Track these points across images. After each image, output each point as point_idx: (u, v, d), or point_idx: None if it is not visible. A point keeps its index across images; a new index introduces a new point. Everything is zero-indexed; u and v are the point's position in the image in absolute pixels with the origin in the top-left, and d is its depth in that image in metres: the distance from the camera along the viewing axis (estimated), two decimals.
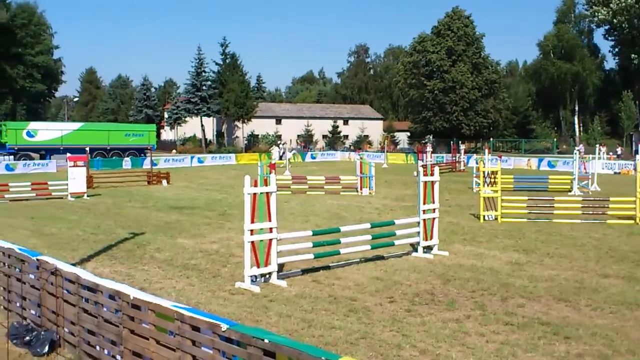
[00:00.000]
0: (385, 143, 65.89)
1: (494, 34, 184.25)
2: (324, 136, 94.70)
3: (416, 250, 14.07)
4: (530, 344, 8.20)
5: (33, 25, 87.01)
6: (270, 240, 11.33)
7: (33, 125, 58.44)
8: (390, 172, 43.85)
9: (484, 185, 20.50)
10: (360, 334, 8.57)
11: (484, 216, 19.39)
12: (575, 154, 29.37)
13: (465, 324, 9.05)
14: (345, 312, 9.63)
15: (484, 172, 21.02)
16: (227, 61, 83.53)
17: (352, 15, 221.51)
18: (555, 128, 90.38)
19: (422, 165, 23.99)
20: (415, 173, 36.56)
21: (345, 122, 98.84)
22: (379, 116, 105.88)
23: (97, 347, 7.38)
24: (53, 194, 27.28)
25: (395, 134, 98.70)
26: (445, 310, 9.77)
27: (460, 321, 9.17)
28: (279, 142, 39.07)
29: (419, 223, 13.91)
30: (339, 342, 8.25)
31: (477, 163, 39.30)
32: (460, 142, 61.14)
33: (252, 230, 11.00)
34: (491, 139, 79.63)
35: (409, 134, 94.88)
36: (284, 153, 39.43)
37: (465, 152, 52.03)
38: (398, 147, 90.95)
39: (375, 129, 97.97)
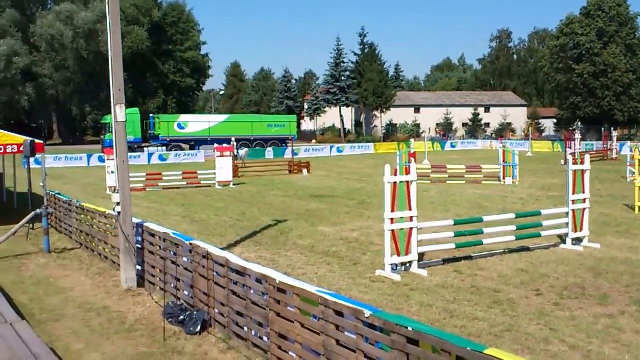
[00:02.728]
0: (530, 130, 63.29)
1: None
2: (464, 124, 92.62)
3: (564, 242, 13.40)
4: None
5: (182, 23, 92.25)
6: (411, 228, 11.25)
7: (183, 117, 61.98)
8: (535, 161, 42.04)
9: (639, 174, 19.14)
10: (504, 326, 8.30)
11: (639, 207, 18.09)
12: None
13: (619, 319, 8.49)
14: (489, 303, 9.37)
15: (639, 159, 19.62)
16: (365, 51, 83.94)
17: None
18: None
19: (571, 153, 22.79)
20: (562, 161, 34.87)
21: (487, 110, 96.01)
22: (523, 102, 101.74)
23: (245, 328, 7.69)
24: (202, 182, 28.79)
25: (540, 120, 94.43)
26: (597, 304, 9.22)
27: (613, 317, 8.62)
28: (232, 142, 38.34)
29: (567, 213, 13.23)
30: (483, 333, 8.05)
31: (631, 150, 36.68)
32: (612, 128, 57.44)
33: (392, 219, 10.98)
34: None
35: (555, 120, 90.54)
36: (237, 152, 38.52)
37: (618, 139, 48.84)
38: (543, 134, 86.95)
39: (518, 116, 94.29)
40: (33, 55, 77.74)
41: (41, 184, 15.63)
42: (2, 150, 16.39)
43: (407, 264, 11.39)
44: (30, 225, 15.59)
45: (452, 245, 12.14)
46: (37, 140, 16.27)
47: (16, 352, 6.66)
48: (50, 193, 17.23)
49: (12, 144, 16.24)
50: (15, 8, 79.18)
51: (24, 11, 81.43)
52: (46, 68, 77.89)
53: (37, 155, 16.70)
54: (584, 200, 13.34)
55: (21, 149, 16.07)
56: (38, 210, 14.32)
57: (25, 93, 76.62)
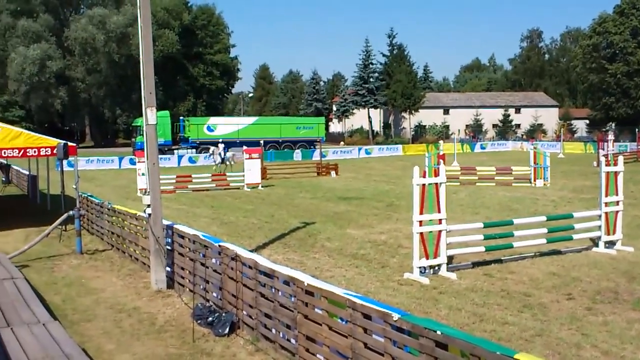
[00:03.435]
0: (562, 131, 62.44)
1: None
2: (494, 125, 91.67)
3: (597, 245, 13.19)
4: None
5: (212, 26, 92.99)
6: (440, 231, 11.19)
7: (213, 120, 62.43)
8: (567, 163, 41.46)
9: None
10: (535, 331, 8.20)
11: None
12: None
13: None
14: (519, 307, 9.27)
15: None
16: (394, 52, 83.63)
17: None
18: None
19: (604, 155, 22.41)
20: (595, 163, 34.33)
21: (517, 111, 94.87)
22: (554, 103, 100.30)
23: (273, 330, 7.72)
24: (231, 184, 28.96)
25: (573, 121, 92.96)
26: (631, 310, 9.06)
27: None
28: (218, 145, 37.94)
29: (600, 216, 13.03)
30: (513, 338, 7.96)
31: None
32: None
33: (421, 222, 10.93)
34: None
35: (587, 121, 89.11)
36: (225, 155, 37.97)
37: None
38: (575, 135, 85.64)
39: (549, 117, 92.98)
40: (66, 60, 78.99)
41: (74, 187, 15.88)
42: (36, 153, 16.71)
43: (436, 267, 11.32)
44: (63, 227, 15.84)
45: (482, 249, 12.03)
46: (70, 144, 16.57)
47: (49, 352, 6.77)
48: (83, 195, 17.49)
49: (46, 147, 16.55)
50: (50, 13, 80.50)
51: (57, 16, 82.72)
52: (79, 72, 79.07)
53: (70, 158, 16.98)
54: (617, 203, 13.13)
55: (55, 151, 16.37)
56: (71, 212, 14.54)
57: (58, 97, 77.86)
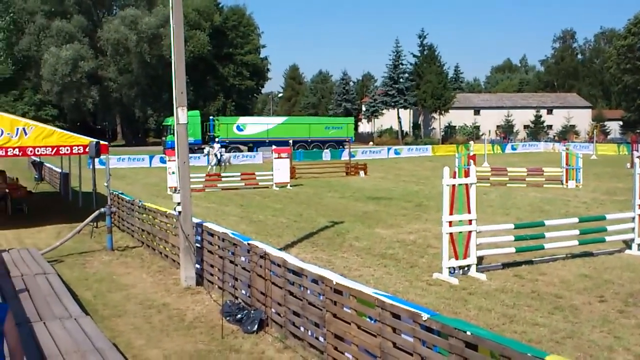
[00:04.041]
0: (594, 133, 61.51)
1: None
2: (526, 126, 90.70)
3: (630, 248, 12.96)
4: None
5: (242, 27, 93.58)
6: (470, 232, 11.09)
7: (242, 120, 62.74)
8: (600, 164, 40.80)
9: None
10: (566, 333, 8.09)
11: None
12: None
13: None
14: (550, 309, 9.14)
15: None
16: (425, 52, 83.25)
17: None
18: None
19: (638, 157, 21.99)
20: (628, 165, 33.77)
21: (549, 112, 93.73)
22: (587, 104, 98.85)
23: (302, 328, 7.72)
24: (260, 183, 29.06)
25: (606, 123, 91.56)
26: None
27: None
28: (213, 144, 36.86)
29: (633, 219, 12.80)
30: (544, 339, 7.85)
31: None
32: None
33: (450, 222, 10.85)
34: None
35: (621, 122, 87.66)
36: (221, 156, 37.07)
37: None
38: (608, 137, 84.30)
39: (582, 118, 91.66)
40: (99, 60, 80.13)
41: (105, 184, 16.08)
42: (69, 151, 16.97)
43: (466, 268, 11.23)
44: (95, 223, 16.04)
45: (513, 250, 11.90)
46: (102, 142, 16.78)
47: (80, 346, 6.87)
48: (114, 193, 17.71)
49: (78, 145, 16.80)
50: (83, 14, 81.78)
51: (90, 17, 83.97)
52: (111, 72, 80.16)
53: (102, 156, 17.21)
54: None
55: (87, 150, 16.61)
56: (102, 210, 14.72)
57: (90, 96, 79.06)
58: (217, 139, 44.03)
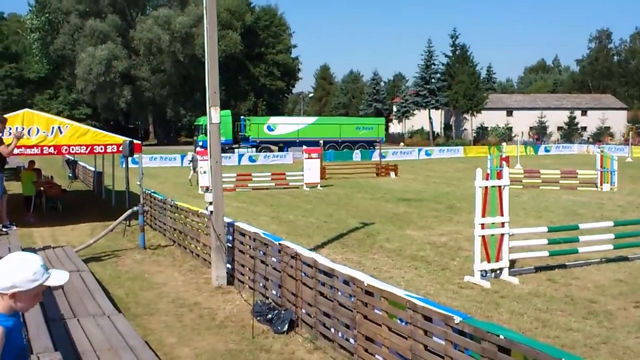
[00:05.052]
0: (630, 135, 60.39)
1: None
2: (559, 128, 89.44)
3: None
4: None
5: (274, 27, 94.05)
6: (502, 235, 10.95)
7: (273, 120, 63.03)
8: (635, 167, 40.04)
9: None
10: (601, 339, 7.94)
11: None
12: None
13: None
14: (584, 314, 8.99)
15: None
16: (457, 53, 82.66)
17: None
18: None
19: None
20: None
21: (584, 113, 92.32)
22: (623, 106, 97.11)
23: (332, 329, 7.70)
24: (290, 183, 29.12)
25: None
26: None
27: None
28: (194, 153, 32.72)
29: None
30: (577, 345, 7.72)
31: None
32: None
33: (482, 224, 10.73)
34: None
35: None
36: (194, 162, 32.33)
37: None
38: None
39: (618, 120, 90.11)
40: (132, 59, 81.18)
41: (138, 183, 16.25)
42: (102, 150, 17.18)
43: (498, 271, 11.09)
44: (127, 222, 16.20)
45: (546, 253, 11.72)
46: (135, 141, 16.96)
47: (113, 343, 6.95)
48: (147, 192, 17.89)
49: (112, 144, 17.00)
50: (117, 14, 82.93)
51: (124, 17, 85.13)
52: (144, 71, 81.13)
53: (135, 155, 17.36)
54: None
55: (120, 149, 16.79)
56: (135, 208, 14.86)
57: (123, 95, 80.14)
58: (196, 148, 41.31)
